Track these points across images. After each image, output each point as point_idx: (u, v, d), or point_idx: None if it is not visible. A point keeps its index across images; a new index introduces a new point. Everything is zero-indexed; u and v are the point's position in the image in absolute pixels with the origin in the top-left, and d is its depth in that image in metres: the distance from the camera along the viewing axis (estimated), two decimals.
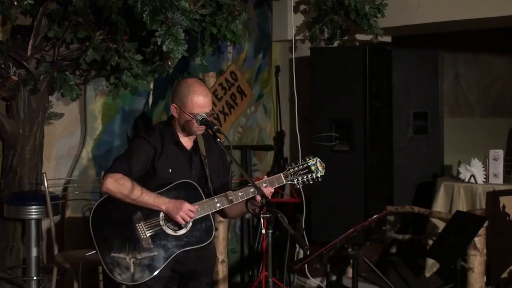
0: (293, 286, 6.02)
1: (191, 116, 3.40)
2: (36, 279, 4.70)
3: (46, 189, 4.60)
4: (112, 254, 3.38)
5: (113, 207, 3.43)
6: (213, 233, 3.48)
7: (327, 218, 5.56)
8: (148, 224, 3.42)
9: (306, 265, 5.73)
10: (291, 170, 3.48)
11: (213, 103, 5.57)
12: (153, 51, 4.79)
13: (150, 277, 3.37)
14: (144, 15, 4.14)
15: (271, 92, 6.46)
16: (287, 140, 6.39)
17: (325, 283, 5.93)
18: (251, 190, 3.40)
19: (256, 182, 3.40)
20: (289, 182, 3.48)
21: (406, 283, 5.88)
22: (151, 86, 5.30)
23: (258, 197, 3.37)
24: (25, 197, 4.71)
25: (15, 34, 4.66)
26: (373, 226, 5.37)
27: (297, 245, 5.72)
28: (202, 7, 4.72)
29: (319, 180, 3.51)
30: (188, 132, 3.51)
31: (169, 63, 4.58)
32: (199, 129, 3.45)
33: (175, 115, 3.48)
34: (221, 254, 5.33)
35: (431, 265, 5.74)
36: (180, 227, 3.42)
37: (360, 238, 5.29)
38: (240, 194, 3.42)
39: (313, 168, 3.47)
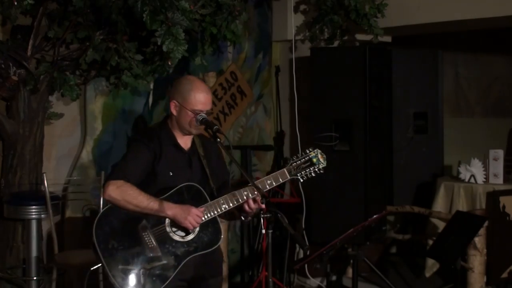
0: (293, 286, 6.02)
1: (193, 112, 3.32)
2: (36, 279, 4.70)
3: (46, 189, 4.59)
4: (120, 266, 3.22)
5: (116, 217, 3.28)
6: (222, 235, 3.35)
7: (327, 218, 5.56)
8: (155, 232, 3.29)
9: (306, 265, 5.73)
10: (294, 165, 3.38)
11: (213, 103, 5.59)
12: (153, 51, 4.79)
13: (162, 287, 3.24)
14: (144, 15, 4.13)
15: (271, 92, 6.46)
16: (287, 140, 6.39)
17: (325, 283, 5.93)
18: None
19: (260, 180, 3.35)
20: (293, 177, 3.38)
21: (406, 283, 5.88)
22: (151, 86, 5.31)
23: (246, 206, 3.32)
24: (25, 197, 4.71)
25: (15, 34, 4.66)
26: (373, 226, 5.37)
27: (297, 245, 5.73)
28: (202, 7, 4.72)
29: (321, 172, 3.41)
30: (186, 131, 3.40)
31: (169, 63, 4.57)
32: (198, 128, 3.37)
33: (174, 112, 3.38)
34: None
35: (431, 265, 5.73)
36: (187, 232, 3.30)
37: (360, 238, 5.28)
38: (245, 193, 3.32)
39: (314, 160, 3.38)
